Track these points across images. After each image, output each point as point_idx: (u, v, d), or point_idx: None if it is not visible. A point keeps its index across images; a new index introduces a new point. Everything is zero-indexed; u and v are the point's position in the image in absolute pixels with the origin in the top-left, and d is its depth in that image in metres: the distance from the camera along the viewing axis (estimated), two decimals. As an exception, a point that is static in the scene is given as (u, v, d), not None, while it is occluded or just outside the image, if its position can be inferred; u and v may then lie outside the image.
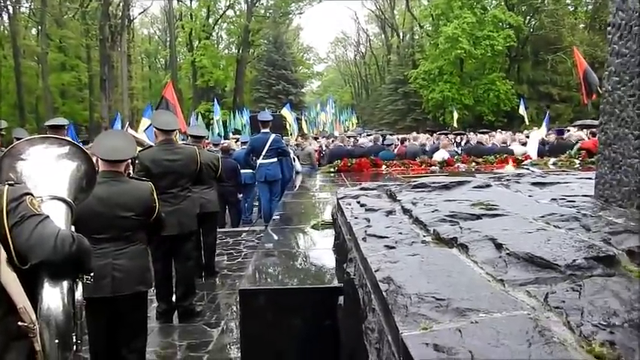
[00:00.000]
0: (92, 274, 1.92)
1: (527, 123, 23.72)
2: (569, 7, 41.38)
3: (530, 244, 1.94)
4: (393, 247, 2.32)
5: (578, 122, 17.70)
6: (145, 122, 8.63)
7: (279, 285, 3.15)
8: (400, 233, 2.57)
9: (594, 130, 11.59)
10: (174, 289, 4.66)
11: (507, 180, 3.96)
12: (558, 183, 3.53)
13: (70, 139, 2.41)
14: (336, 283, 3.13)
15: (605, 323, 1.23)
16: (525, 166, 9.89)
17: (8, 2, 37.07)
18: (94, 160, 3.03)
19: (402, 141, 13.95)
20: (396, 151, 12.76)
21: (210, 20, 48.29)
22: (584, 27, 41.67)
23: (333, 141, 18.94)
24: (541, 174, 4.23)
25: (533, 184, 3.57)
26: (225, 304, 5.08)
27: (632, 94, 2.42)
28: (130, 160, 3.32)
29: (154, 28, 60.87)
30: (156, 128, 4.61)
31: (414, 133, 21.09)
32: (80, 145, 2.44)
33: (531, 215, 2.53)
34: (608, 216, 2.38)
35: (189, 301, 4.62)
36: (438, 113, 39.94)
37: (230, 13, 49.24)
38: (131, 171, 5.22)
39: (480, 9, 38.34)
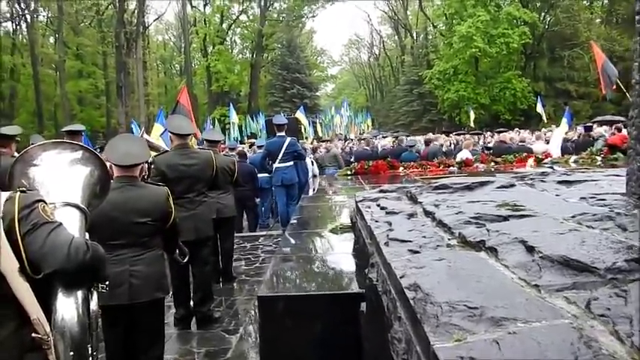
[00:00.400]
0: (107, 282, 1.86)
1: (545, 121, 23.35)
2: (585, 1, 40.81)
3: (564, 246, 1.83)
4: (417, 252, 2.23)
5: (599, 118, 17.36)
6: (157, 128, 8.62)
7: (298, 291, 3.06)
8: (424, 237, 2.47)
9: (619, 125, 11.35)
10: (191, 294, 4.61)
11: (531, 179, 3.83)
12: (586, 181, 3.40)
13: (84, 144, 2.36)
14: (357, 288, 3.04)
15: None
16: (546, 165, 9.69)
17: (26, 11, 37.66)
18: (108, 166, 2.99)
19: (427, 143, 13.77)
20: (421, 152, 12.60)
21: (224, 25, 48.50)
22: (601, 21, 41.04)
23: (348, 144, 18.88)
24: (566, 172, 4.09)
25: (560, 182, 3.44)
26: (243, 309, 5.01)
27: (666, 86, 2.30)
28: (145, 165, 3.26)
29: (168, 34, 61.40)
30: (171, 133, 4.57)
31: (430, 134, 20.92)
32: (94, 150, 2.39)
33: (561, 215, 2.42)
34: (643, 215, 2.27)
35: (207, 307, 4.56)
36: (453, 113, 39.60)
37: (243, 17, 49.48)
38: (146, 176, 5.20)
39: (494, 7, 37.95)
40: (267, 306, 2.95)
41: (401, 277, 1.89)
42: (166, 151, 4.63)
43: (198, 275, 4.54)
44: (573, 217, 2.34)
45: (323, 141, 19.49)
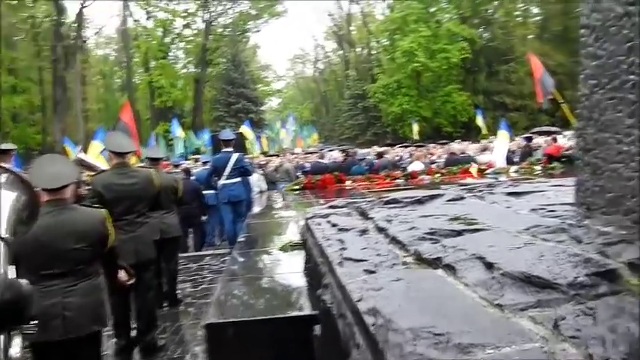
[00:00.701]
0: (36, 321, 1.65)
1: (484, 133, 24.11)
2: (520, 18, 42.68)
3: (523, 261, 1.79)
4: (373, 272, 2.13)
5: (537, 129, 18.07)
6: (96, 146, 8.23)
7: (247, 316, 2.90)
8: (378, 255, 2.38)
9: (555, 135, 11.81)
10: (133, 323, 4.33)
11: (480, 191, 3.84)
12: (533, 192, 3.43)
13: (7, 167, 2.13)
14: (310, 310, 2.91)
15: (636, 354, 1.06)
16: (489, 175, 9.93)
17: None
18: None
19: (380, 155, 13.82)
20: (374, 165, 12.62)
21: (167, 39, 47.66)
22: (534, 37, 43.03)
23: (295, 158, 18.77)
24: (513, 183, 4.14)
25: (509, 194, 3.46)
26: (190, 335, 4.76)
27: (611, 96, 2.32)
28: (77, 187, 3.02)
29: (109, 48, 59.72)
30: (109, 151, 4.32)
31: (375, 147, 21.14)
32: (19, 172, 2.16)
33: (514, 228, 2.39)
34: (595, 225, 2.26)
35: (151, 335, 4.30)
36: (397, 126, 40.34)
37: (187, 32, 48.74)
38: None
39: (434, 23, 39.14)
40: (215, 334, 2.78)
41: (358, 301, 1.79)
42: (104, 170, 4.36)
43: (141, 301, 4.27)
44: (527, 229, 2.32)
45: (270, 155, 19.29)
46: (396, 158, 14.70)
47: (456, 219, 2.80)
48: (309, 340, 2.68)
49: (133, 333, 4.32)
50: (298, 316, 2.86)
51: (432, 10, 40.53)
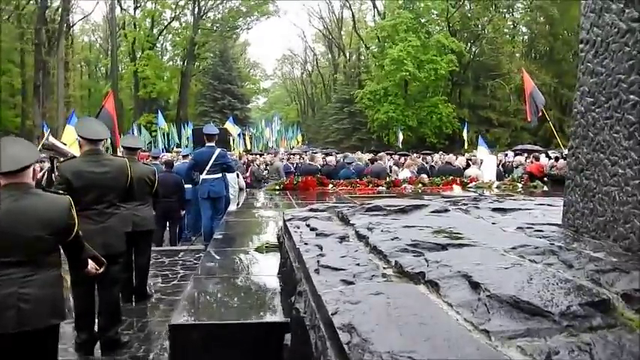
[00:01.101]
0: None
1: (465, 147, 24.26)
2: (508, 36, 43.14)
3: (511, 283, 1.68)
4: (351, 283, 2.01)
5: (520, 147, 18.21)
6: (69, 130, 7.96)
7: (216, 319, 2.76)
8: (358, 264, 2.27)
9: (537, 154, 11.86)
10: (96, 317, 4.14)
11: (465, 205, 3.76)
12: (519, 209, 3.35)
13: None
14: (281, 316, 2.78)
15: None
16: (471, 189, 9.90)
17: None
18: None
19: (372, 161, 13.68)
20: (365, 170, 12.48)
21: (155, 31, 47.08)
22: (521, 55, 43.54)
23: (281, 158, 18.65)
24: (498, 199, 4.06)
25: (494, 209, 3.37)
26: (156, 333, 4.57)
27: (608, 115, 2.24)
28: (39, 169, 2.82)
29: (95, 35, 58.82)
30: (80, 137, 4.11)
31: (358, 153, 21.09)
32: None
33: (501, 246, 2.29)
34: (584, 249, 2.17)
35: (113, 331, 4.10)
36: (382, 133, 40.45)
37: (175, 24, 48.27)
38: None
39: (424, 33, 39.34)
40: (180, 336, 2.63)
41: (333, 314, 1.66)
42: (74, 156, 4.15)
43: (105, 295, 4.07)
44: (514, 248, 2.22)
45: (255, 154, 19.10)
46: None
47: (440, 232, 2.69)
48: (279, 349, 2.55)
49: (96, 328, 4.12)
50: (269, 322, 2.72)
51: (423, 20, 40.76)
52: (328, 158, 15.11)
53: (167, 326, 2.80)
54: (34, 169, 2.75)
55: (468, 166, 12.33)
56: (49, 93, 37.85)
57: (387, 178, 11.03)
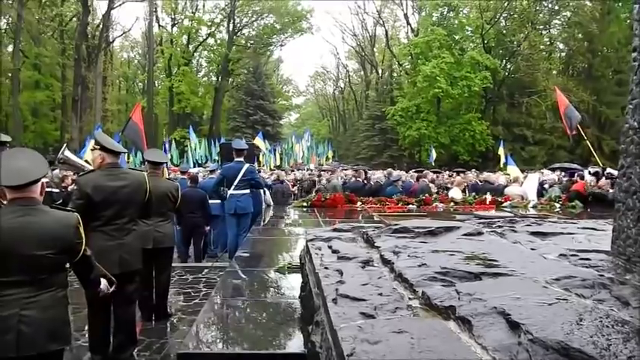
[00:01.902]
0: None
1: (501, 165, 23.64)
2: (544, 52, 42.32)
3: (558, 324, 1.44)
4: (371, 316, 1.79)
5: (557, 165, 17.65)
6: (91, 144, 7.97)
7: (227, 348, 2.57)
8: (380, 294, 2.05)
9: (582, 172, 11.39)
10: (111, 337, 4.00)
11: (500, 227, 3.49)
12: (561, 233, 3.07)
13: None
14: (299, 346, 2.57)
15: None
16: (506, 209, 9.53)
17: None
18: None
19: (418, 178, 13.46)
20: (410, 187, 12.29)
21: (191, 47, 48.00)
22: (557, 73, 42.62)
23: (310, 173, 18.58)
24: (536, 221, 3.77)
25: (533, 233, 3.10)
26: (173, 355, 4.42)
27: (668, 132, 1.98)
28: (45, 183, 2.68)
29: (134, 52, 60.38)
30: (102, 149, 4.01)
31: (390, 170, 20.78)
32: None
33: (542, 277, 2.04)
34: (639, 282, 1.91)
35: (127, 353, 3.95)
36: (414, 151, 40.00)
37: (211, 41, 49.11)
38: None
39: (458, 50, 38.93)
40: (189, 366, 2.44)
41: (349, 356, 1.45)
42: (92, 170, 4.05)
43: (121, 315, 3.92)
44: (558, 280, 1.97)
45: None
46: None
47: (472, 258, 2.45)
48: (295, 384, 2.34)
49: (111, 348, 3.98)
50: (284, 354, 2.52)
51: (457, 37, 40.37)
52: (376, 174, 14.97)
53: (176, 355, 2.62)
54: (42, 184, 2.62)
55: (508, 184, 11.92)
56: (87, 107, 38.78)
57: (434, 196, 10.78)
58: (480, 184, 12.03)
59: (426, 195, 10.76)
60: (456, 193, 10.93)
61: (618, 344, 1.28)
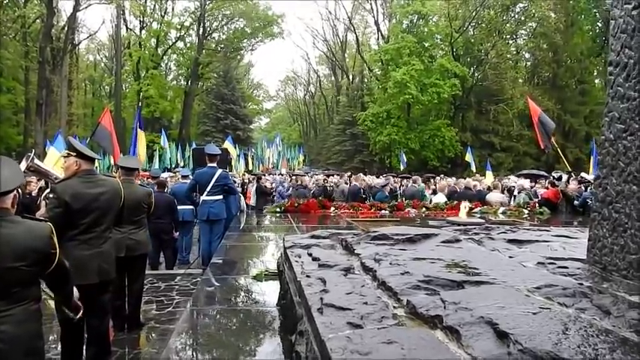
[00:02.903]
0: None
1: (474, 170, 24.05)
2: (511, 61, 43.27)
3: (544, 334, 1.47)
4: (359, 326, 1.80)
5: (525, 171, 18.03)
6: (52, 151, 7.72)
7: (209, 360, 2.54)
8: (365, 303, 2.05)
9: (552, 180, 11.63)
10: (84, 348, 3.89)
11: (476, 234, 3.55)
12: (537, 241, 3.14)
13: None
14: (280, 356, 2.55)
15: None
16: (477, 215, 9.69)
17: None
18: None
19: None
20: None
21: (160, 50, 47.38)
22: (524, 81, 43.62)
23: (290, 179, 18.58)
24: (511, 229, 3.84)
25: (509, 241, 3.16)
26: (150, 365, 4.34)
27: (642, 144, 2.05)
28: (17, 194, 2.57)
29: (100, 55, 59.24)
30: (78, 155, 3.91)
31: (361, 175, 20.91)
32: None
33: (524, 285, 2.08)
34: (618, 291, 1.96)
35: (102, 364, 3.87)
36: (384, 156, 40.31)
37: (180, 44, 48.58)
38: (44, 206, 4.48)
39: (428, 57, 39.49)
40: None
41: (340, 368, 1.45)
42: (68, 177, 3.94)
43: (95, 326, 3.81)
44: (539, 288, 2.01)
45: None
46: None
47: (454, 266, 2.48)
48: (277, 395, 2.32)
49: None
50: (265, 364, 2.50)
51: (427, 44, 40.94)
52: (376, 181, 15.17)
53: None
54: (15, 195, 2.53)
55: (489, 190, 12.12)
56: (51, 111, 37.83)
57: (423, 201, 11.01)
58: (460, 190, 12.22)
59: (399, 201, 10.91)
60: (440, 198, 11.11)
61: (605, 354, 1.32)
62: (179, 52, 49.14)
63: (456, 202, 10.54)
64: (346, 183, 13.96)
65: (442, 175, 21.58)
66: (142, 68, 45.68)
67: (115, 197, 4.05)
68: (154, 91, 42.99)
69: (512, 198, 12.13)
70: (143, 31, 47.04)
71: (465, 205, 8.66)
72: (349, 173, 19.06)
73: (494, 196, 11.07)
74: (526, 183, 14.43)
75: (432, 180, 16.78)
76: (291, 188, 13.80)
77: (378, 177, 19.59)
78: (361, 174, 16.00)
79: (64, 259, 2.71)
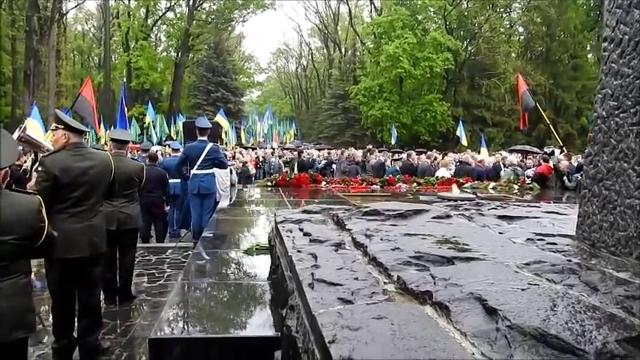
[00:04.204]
0: None
1: (465, 144, 24.08)
2: (504, 35, 42.99)
3: (533, 310, 1.48)
4: (349, 302, 1.80)
5: (521, 147, 18.11)
6: (31, 123, 7.56)
7: (200, 333, 2.55)
8: (356, 279, 2.06)
9: (545, 156, 11.71)
10: (76, 321, 3.90)
11: (467, 210, 3.56)
12: (527, 217, 3.16)
13: None
14: (272, 330, 2.58)
15: None
16: (467, 190, 9.74)
17: None
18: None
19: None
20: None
21: (149, 21, 46.52)
22: (517, 56, 43.45)
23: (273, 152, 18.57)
24: (502, 204, 3.86)
25: (500, 217, 3.18)
26: (141, 336, 4.35)
27: (635, 121, 2.04)
28: (8, 169, 2.54)
29: (88, 24, 58.11)
30: (66, 128, 3.86)
31: (352, 149, 20.90)
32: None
33: (513, 261, 2.10)
34: (606, 267, 1.98)
35: (94, 336, 3.86)
36: (376, 130, 40.24)
37: (170, 15, 47.69)
38: (34, 178, 4.44)
39: (420, 31, 39.11)
40: (160, 351, 2.41)
41: (330, 343, 1.45)
42: (57, 150, 3.89)
43: (86, 299, 3.82)
44: (528, 264, 2.03)
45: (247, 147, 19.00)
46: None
47: (444, 242, 2.50)
48: (269, 367, 2.35)
49: (75, 333, 3.89)
50: (258, 337, 2.52)
51: (420, 17, 40.53)
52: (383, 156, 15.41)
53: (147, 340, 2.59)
54: (6, 170, 2.50)
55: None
56: (40, 82, 37.26)
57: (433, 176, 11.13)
58: (458, 165, 12.30)
59: (391, 175, 10.98)
60: (444, 173, 11.17)
61: (592, 330, 1.33)
62: (169, 22, 48.27)
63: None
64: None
65: (434, 150, 21.62)
66: (131, 39, 44.95)
67: (104, 171, 4.02)
68: (143, 63, 42.37)
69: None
70: (132, 1, 46.11)
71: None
72: (370, 146, 19.11)
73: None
74: (514, 159, 14.51)
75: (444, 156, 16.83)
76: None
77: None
78: (359, 151, 16.13)
79: (53, 232, 2.70)
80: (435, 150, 21.98)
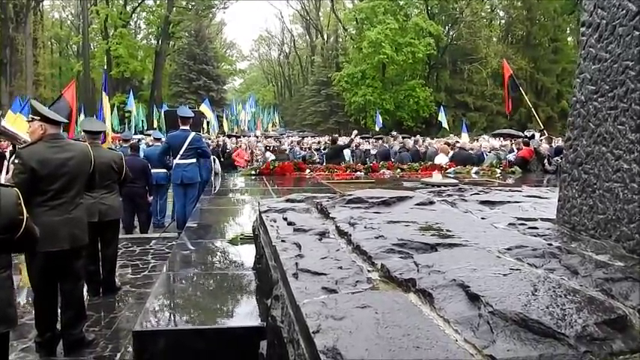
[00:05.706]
0: None
1: (447, 129, 24.22)
2: (485, 20, 43.13)
3: (514, 295, 1.50)
4: (333, 291, 1.81)
5: (505, 130, 18.27)
6: (11, 117, 7.43)
7: (184, 324, 2.54)
8: (340, 268, 2.06)
9: (526, 140, 11.82)
10: (59, 314, 3.87)
11: (450, 196, 3.58)
12: (508, 202, 3.18)
13: None
14: (257, 317, 2.58)
15: None
16: (450, 175, 9.80)
17: None
18: None
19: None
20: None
21: (128, 8, 45.79)
22: (497, 40, 43.65)
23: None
24: (484, 190, 3.89)
25: (482, 202, 3.20)
26: (125, 329, 4.33)
27: (613, 105, 2.06)
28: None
29: (66, 12, 56.98)
30: (42, 119, 3.78)
31: (334, 135, 20.90)
32: None
33: (495, 246, 2.12)
34: (585, 250, 2.01)
35: (78, 329, 3.83)
36: (359, 117, 40.25)
37: (150, 2, 47.00)
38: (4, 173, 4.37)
39: (402, 16, 39.07)
40: (145, 344, 2.40)
41: (315, 333, 1.46)
42: (34, 142, 3.82)
43: (69, 291, 3.78)
44: (509, 249, 2.05)
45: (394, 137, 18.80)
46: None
47: (427, 229, 2.51)
48: (254, 357, 2.35)
49: (58, 326, 3.86)
50: (242, 327, 2.51)
51: (402, 3, 40.43)
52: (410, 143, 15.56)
53: (131, 334, 2.57)
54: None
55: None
56: (17, 71, 36.59)
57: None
58: (455, 150, 12.39)
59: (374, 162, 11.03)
60: (442, 159, 11.23)
61: (572, 314, 1.35)
62: (148, 9, 47.57)
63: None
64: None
65: (418, 136, 21.69)
66: (110, 26, 44.24)
67: (84, 162, 3.97)
68: (123, 51, 41.77)
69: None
70: (110, -13, 45.31)
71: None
72: (380, 135, 19.23)
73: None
74: (496, 143, 14.64)
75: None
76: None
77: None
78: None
79: (33, 225, 2.66)
80: (418, 135, 22.07)
